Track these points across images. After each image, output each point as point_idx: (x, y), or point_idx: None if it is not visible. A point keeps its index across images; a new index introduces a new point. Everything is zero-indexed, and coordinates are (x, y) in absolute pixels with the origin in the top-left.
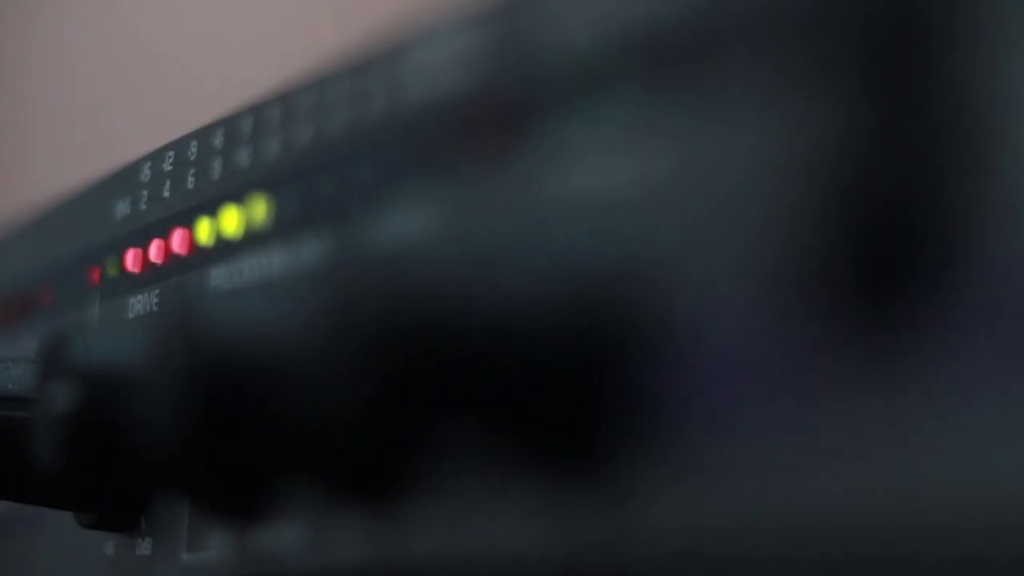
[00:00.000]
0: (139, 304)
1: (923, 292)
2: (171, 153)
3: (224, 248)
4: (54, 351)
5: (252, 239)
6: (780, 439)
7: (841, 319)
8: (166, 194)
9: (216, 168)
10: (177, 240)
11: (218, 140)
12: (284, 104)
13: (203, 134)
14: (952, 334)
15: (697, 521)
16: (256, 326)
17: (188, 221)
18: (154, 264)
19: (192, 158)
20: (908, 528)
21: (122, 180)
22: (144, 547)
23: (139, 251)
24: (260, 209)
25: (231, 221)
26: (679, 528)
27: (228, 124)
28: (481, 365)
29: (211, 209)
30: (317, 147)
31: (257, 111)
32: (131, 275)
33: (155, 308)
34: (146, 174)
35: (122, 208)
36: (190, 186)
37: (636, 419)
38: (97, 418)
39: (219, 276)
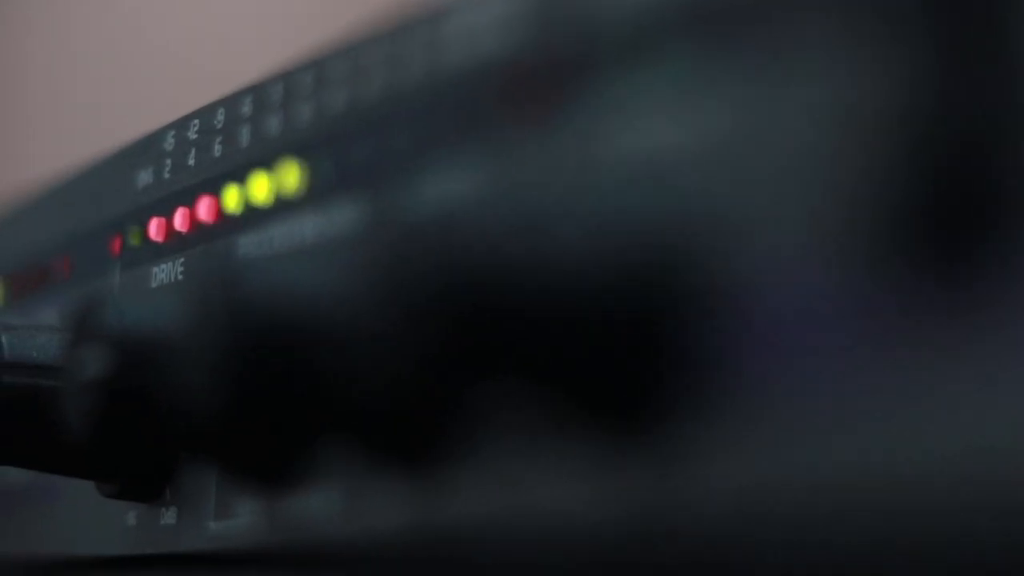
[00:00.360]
0: (163, 273)
1: (990, 254)
2: (196, 121)
3: (253, 216)
4: (84, 318)
5: (283, 206)
6: (837, 399)
7: (907, 278)
8: (191, 162)
9: (244, 135)
10: (203, 208)
11: (246, 107)
12: (317, 69)
13: (231, 101)
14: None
15: (753, 481)
16: (291, 292)
17: (215, 189)
18: (179, 233)
19: (219, 125)
20: (973, 485)
21: (144, 149)
22: (168, 516)
23: (163, 220)
24: (292, 176)
25: (260, 188)
26: (733, 488)
27: (257, 91)
28: (527, 328)
29: (239, 176)
30: (353, 112)
31: (288, 77)
32: (154, 244)
33: (180, 277)
34: (170, 142)
35: (144, 177)
36: (217, 153)
37: (690, 379)
38: (127, 385)
39: (248, 244)
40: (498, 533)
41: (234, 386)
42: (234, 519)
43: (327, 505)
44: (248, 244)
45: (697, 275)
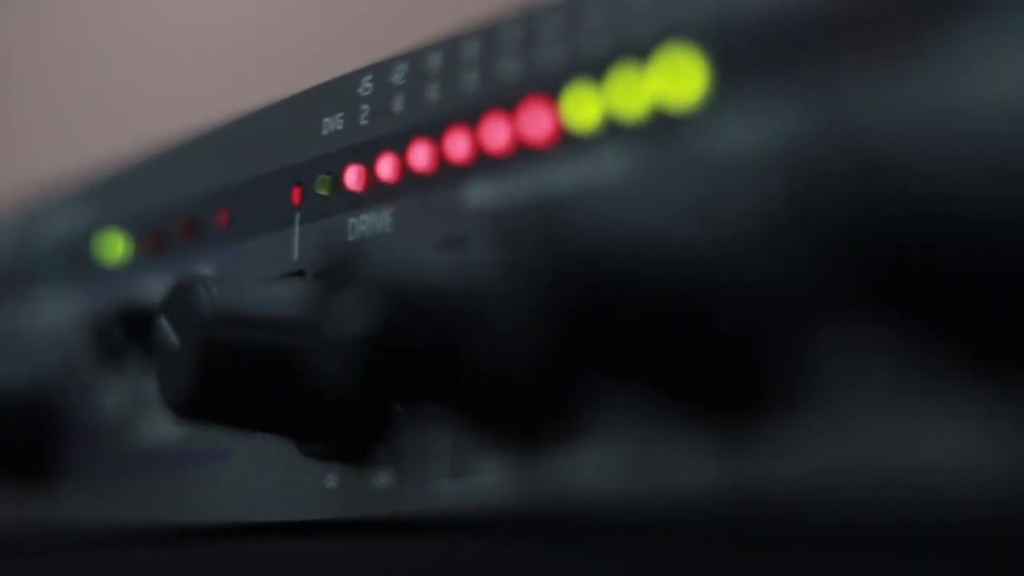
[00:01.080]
0: (364, 224)
1: None
2: (402, 65)
3: (485, 163)
4: (340, 269)
5: (526, 154)
6: None
7: None
8: (398, 108)
9: (470, 79)
10: (419, 155)
11: (472, 50)
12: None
13: (448, 46)
14: None
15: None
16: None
17: (434, 134)
18: (382, 182)
19: (435, 71)
20: None
21: (332, 94)
22: (382, 477)
23: (363, 168)
24: (541, 119)
25: (495, 133)
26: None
27: (484, 33)
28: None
29: (471, 118)
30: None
31: (529, 16)
32: (351, 194)
33: (390, 228)
34: (365, 87)
35: (332, 124)
36: (431, 99)
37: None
38: (394, 340)
39: (481, 192)
40: (832, 494)
41: (524, 330)
42: (474, 477)
43: (605, 462)
44: (481, 192)
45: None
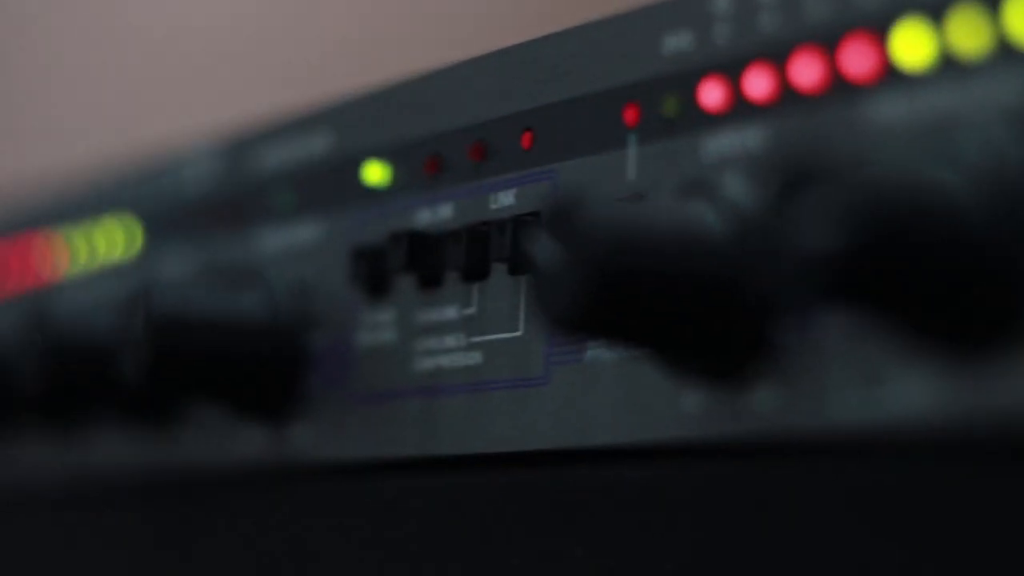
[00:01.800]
0: (723, 146)
1: None
2: None
3: (896, 80)
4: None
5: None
6: None
7: None
8: (764, 26)
9: None
10: (800, 70)
11: None
12: None
13: None
14: None
15: None
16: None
17: (828, 43)
18: (748, 101)
19: None
20: None
21: (677, 10)
22: (765, 400)
23: (725, 84)
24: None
25: (916, 44)
26: None
27: None
28: None
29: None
30: None
31: None
32: (706, 114)
33: (766, 151)
34: (719, 4)
35: (676, 42)
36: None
37: None
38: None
39: (887, 110)
40: None
41: None
42: (890, 386)
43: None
44: (888, 110)
45: None
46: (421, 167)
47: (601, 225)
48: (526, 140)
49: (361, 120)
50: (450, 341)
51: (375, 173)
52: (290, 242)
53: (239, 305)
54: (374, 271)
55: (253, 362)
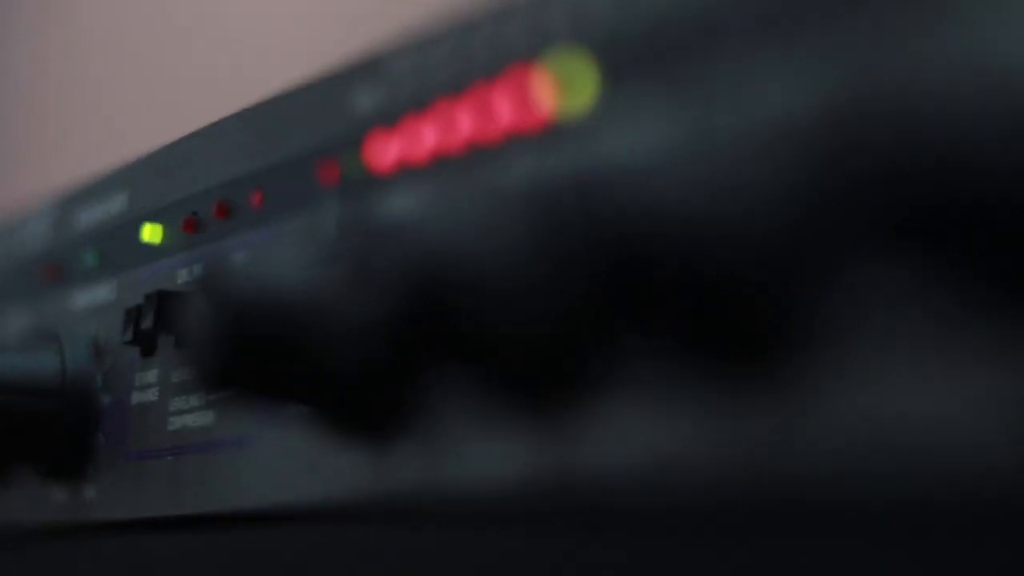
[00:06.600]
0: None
1: None
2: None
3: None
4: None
5: None
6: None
7: None
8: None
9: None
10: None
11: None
12: None
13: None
14: None
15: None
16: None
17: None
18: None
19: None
20: None
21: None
22: (406, 461)
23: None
24: None
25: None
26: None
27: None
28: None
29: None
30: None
31: None
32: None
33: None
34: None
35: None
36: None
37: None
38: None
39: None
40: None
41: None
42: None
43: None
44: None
45: None
46: (180, 227)
47: (233, 293)
48: (256, 199)
49: (148, 180)
50: (193, 401)
51: (150, 233)
52: (91, 301)
53: (33, 366)
54: (138, 330)
55: (45, 422)
